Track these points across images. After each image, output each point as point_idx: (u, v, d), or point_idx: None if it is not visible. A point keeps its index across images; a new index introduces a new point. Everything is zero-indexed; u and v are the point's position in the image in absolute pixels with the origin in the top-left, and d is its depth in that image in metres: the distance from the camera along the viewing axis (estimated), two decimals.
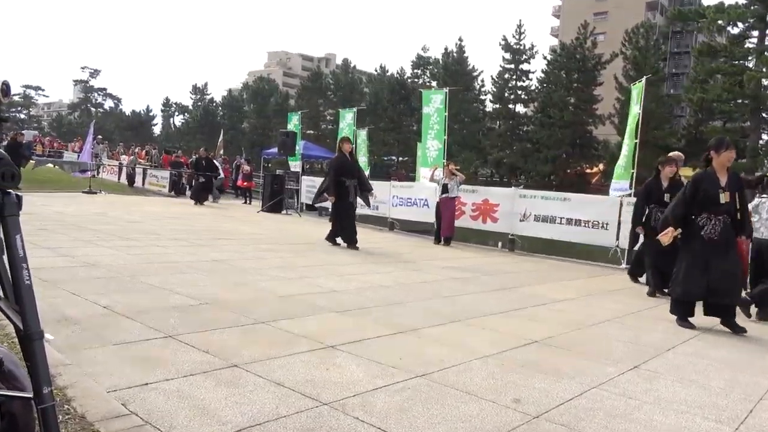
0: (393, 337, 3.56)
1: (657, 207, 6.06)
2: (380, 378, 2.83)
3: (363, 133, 18.19)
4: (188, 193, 18.21)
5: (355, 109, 16.52)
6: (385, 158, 48.76)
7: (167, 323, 3.44)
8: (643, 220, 6.23)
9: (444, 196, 9.90)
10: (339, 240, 8.28)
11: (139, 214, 11.22)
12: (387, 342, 3.45)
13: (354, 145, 15.16)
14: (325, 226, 9.12)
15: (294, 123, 17.43)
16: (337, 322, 3.83)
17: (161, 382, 2.57)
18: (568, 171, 40.12)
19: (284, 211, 14.92)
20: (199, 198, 15.67)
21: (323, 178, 9.14)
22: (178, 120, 69.63)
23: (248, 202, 18.49)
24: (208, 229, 9.46)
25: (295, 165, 17.07)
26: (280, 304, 4.25)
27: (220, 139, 25.13)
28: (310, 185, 16.25)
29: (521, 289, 5.89)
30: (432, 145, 12.21)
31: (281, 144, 14.96)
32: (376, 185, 10.98)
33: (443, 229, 9.89)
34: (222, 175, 18.40)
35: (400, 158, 50.51)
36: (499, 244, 10.62)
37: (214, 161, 17.52)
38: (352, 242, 8.00)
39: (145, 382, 2.54)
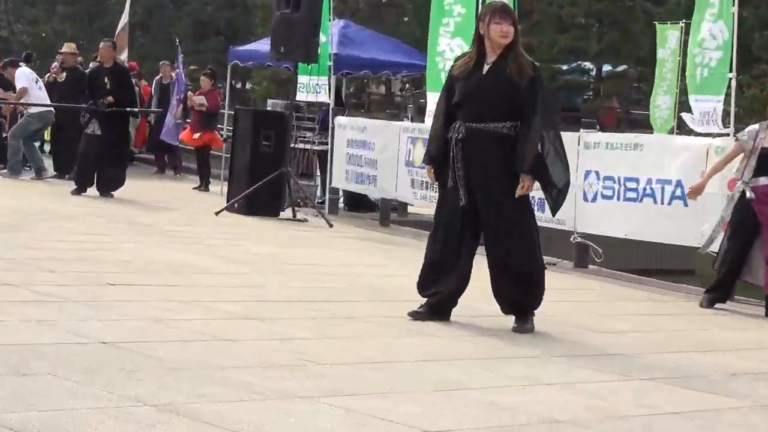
0: None
1: None
2: None
3: None
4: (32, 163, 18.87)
5: None
6: (564, 68, 48.29)
7: None
8: None
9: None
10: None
11: None
12: None
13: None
14: (403, 254, 9.01)
15: None
16: None
17: None
18: None
19: (285, 210, 15.38)
20: (87, 174, 16.22)
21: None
22: None
23: (203, 186, 19.41)
24: (97, 260, 9.73)
25: (316, 83, 17.27)
26: None
27: (122, 23, 25.85)
28: (356, 141, 16.39)
29: None
30: (710, 30, 12.18)
31: (278, 30, 15.37)
32: None
33: None
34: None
35: (606, 68, 50.15)
36: None
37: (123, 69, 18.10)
38: (513, 309, 7.96)
39: None
